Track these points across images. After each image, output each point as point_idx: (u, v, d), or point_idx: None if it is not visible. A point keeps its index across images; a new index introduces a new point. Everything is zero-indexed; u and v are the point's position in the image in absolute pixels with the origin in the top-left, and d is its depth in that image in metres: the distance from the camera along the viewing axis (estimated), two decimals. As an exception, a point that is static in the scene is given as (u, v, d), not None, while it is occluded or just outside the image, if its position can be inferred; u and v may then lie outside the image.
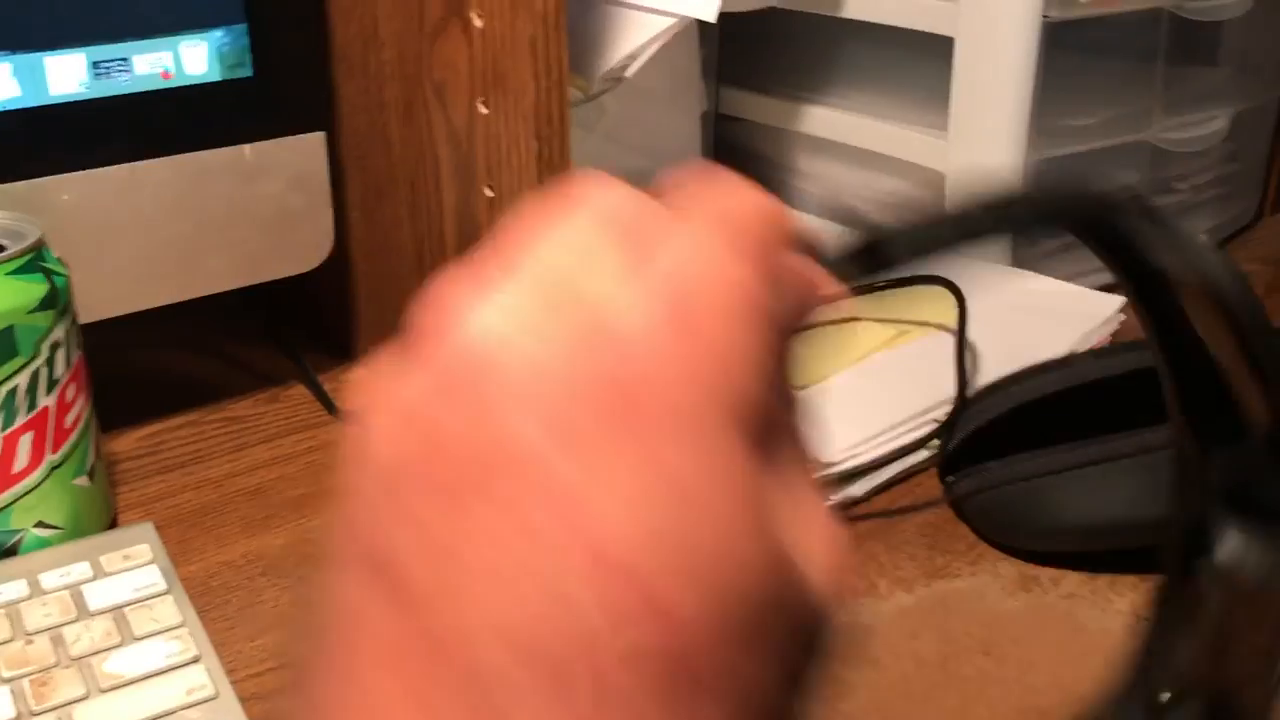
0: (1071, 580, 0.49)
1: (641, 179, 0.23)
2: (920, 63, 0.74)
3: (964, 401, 0.54)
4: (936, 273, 0.65)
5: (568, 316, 0.19)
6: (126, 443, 0.60)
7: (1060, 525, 0.49)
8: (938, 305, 0.67)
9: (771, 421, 0.20)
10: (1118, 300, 0.67)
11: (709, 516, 0.18)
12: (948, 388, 0.57)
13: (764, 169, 0.87)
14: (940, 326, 0.65)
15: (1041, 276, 0.70)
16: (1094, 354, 0.52)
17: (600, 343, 0.18)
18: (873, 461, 0.53)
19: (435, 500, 0.18)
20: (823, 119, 0.81)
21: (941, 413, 0.56)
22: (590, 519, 0.17)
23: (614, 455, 0.18)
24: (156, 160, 0.53)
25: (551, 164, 0.50)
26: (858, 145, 0.78)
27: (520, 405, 0.18)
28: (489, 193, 0.53)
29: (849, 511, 0.54)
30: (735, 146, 0.88)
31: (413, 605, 0.18)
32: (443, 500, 0.18)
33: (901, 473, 0.55)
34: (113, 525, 0.53)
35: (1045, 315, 0.66)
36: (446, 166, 0.55)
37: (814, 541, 0.20)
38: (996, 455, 0.50)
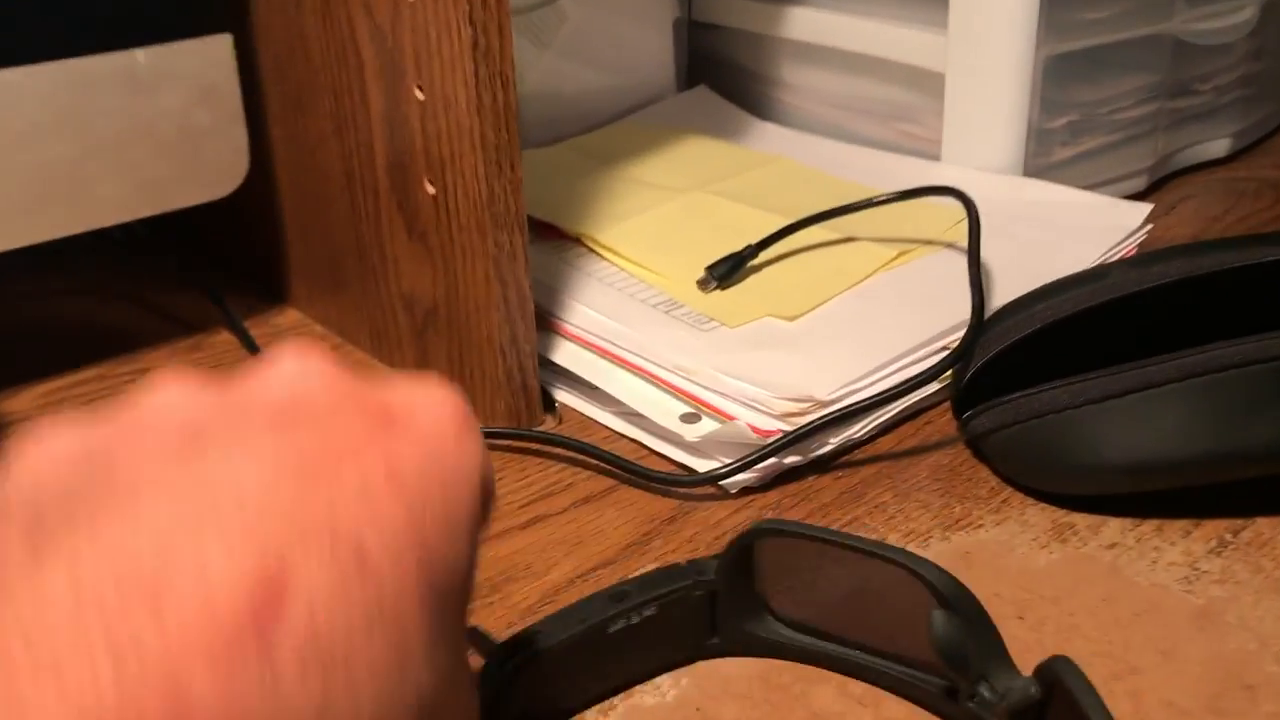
0: (1113, 527, 0.42)
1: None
2: (915, -49, 0.66)
3: (980, 325, 0.46)
4: (942, 183, 0.58)
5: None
6: (24, 401, 0.53)
7: (1100, 464, 0.41)
8: (943, 220, 0.59)
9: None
10: (1144, 208, 0.59)
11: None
12: (960, 311, 0.50)
13: (745, 81, 0.79)
14: (947, 244, 0.58)
15: (1057, 185, 0.63)
16: (1128, 263, 0.44)
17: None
18: (876, 397, 0.45)
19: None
20: (808, 21, 0.72)
21: (954, 339, 0.49)
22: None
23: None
24: (28, 68, 0.45)
25: (489, 54, 0.42)
26: (848, 49, 0.70)
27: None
28: (420, 95, 0.45)
29: (850, 455, 0.47)
30: (712, 57, 0.80)
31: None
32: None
33: (910, 409, 0.48)
34: (-3, 496, 0.46)
35: (1065, 228, 0.59)
36: (371, 68, 0.47)
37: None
38: (1020, 385, 0.43)
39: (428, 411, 0.23)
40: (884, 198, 0.58)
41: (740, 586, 0.36)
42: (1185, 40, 0.69)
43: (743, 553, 0.35)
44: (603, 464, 0.46)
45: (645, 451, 0.47)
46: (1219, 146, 0.75)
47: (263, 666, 0.17)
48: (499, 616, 0.38)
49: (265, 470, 0.19)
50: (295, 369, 0.23)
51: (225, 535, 0.18)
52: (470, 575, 0.23)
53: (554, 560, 0.41)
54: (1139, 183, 0.70)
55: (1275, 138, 0.80)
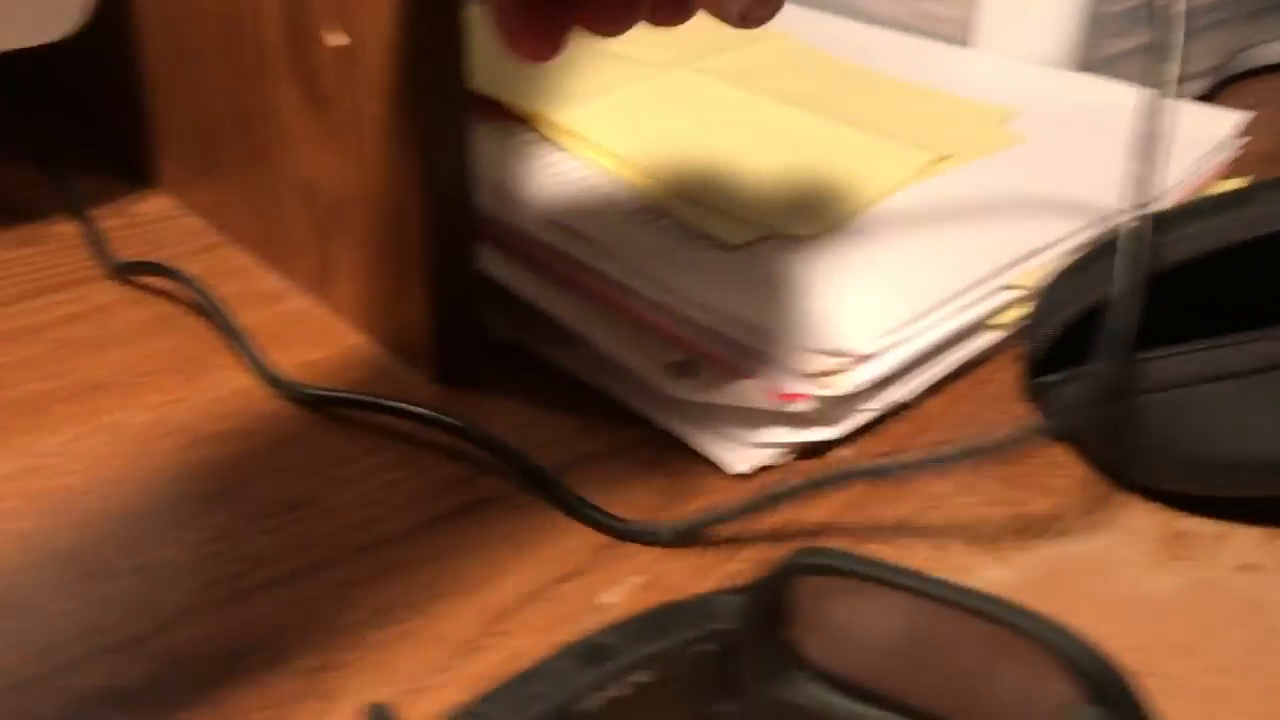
0: (1241, 539, 0.32)
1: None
2: None
3: (1072, 265, 0.35)
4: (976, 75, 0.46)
5: None
6: None
7: (1242, 459, 0.31)
8: (987, 120, 0.48)
9: None
10: (1233, 116, 0.48)
11: None
12: (1021, 240, 0.39)
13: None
14: (992, 151, 0.46)
15: (1118, 84, 0.51)
16: (1275, 185, 0.33)
17: None
18: (931, 351, 0.34)
19: None
20: None
21: (1015, 274, 0.38)
22: None
23: None
24: None
25: None
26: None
27: None
28: (323, -99, 0.32)
29: (885, 426, 0.35)
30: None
31: None
32: None
33: (961, 362, 0.37)
34: None
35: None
36: None
37: None
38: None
39: None
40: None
41: (768, 635, 0.25)
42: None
43: (777, 590, 0.24)
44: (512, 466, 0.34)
45: (615, 411, 0.35)
46: (1283, 48, 0.64)
47: None
48: (409, 676, 0.27)
49: None
50: None
51: None
52: None
53: (484, 577, 0.29)
54: (1200, 85, 0.59)
55: None
